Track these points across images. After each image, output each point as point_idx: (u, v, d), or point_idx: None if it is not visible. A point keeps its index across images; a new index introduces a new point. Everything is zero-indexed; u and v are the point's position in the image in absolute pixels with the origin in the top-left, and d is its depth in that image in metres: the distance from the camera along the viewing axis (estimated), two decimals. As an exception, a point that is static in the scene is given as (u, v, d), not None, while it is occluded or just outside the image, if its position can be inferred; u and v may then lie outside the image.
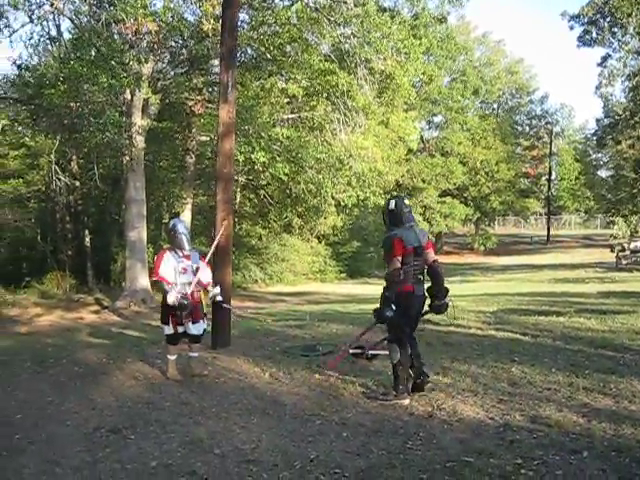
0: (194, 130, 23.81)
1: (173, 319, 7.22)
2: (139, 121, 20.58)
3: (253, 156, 19.90)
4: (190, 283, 7.22)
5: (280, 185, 25.40)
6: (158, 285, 7.24)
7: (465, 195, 48.18)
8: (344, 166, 21.59)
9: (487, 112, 54.80)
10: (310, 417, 5.60)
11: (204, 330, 7.60)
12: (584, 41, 30.59)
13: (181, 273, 7.18)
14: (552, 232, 55.11)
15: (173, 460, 4.66)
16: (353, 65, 21.15)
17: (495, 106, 57.47)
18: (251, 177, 25.22)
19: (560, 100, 67.08)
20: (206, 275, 7.53)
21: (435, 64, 36.30)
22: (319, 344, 8.85)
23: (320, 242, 33.07)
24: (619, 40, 30.36)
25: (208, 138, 22.69)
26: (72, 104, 19.29)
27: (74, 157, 26.75)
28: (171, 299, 6.98)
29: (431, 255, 6.24)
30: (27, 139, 26.47)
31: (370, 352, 7.55)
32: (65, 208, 28.51)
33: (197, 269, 7.32)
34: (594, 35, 30.25)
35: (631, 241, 30.40)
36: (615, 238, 33.32)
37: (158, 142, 24.19)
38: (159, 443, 5.08)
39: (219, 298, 7.98)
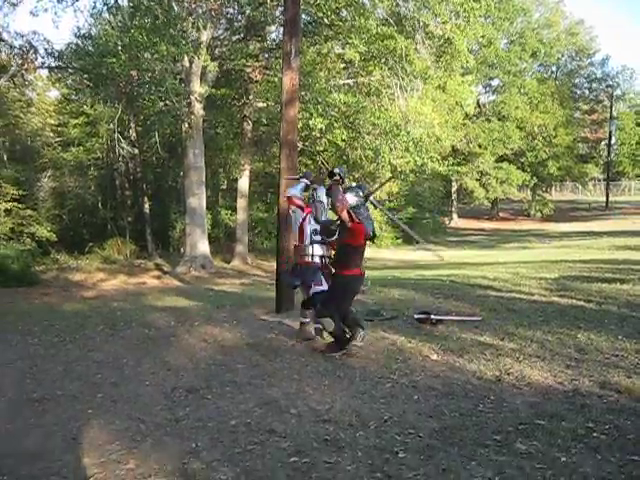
0: (251, 97, 23.89)
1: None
2: (198, 88, 20.78)
3: (311, 122, 19.97)
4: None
5: (337, 151, 25.42)
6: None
7: (522, 160, 47.33)
8: (401, 131, 21.39)
9: (545, 75, 53.26)
10: (380, 380, 5.68)
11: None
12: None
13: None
14: (611, 198, 53.77)
15: (251, 419, 4.78)
16: (411, 29, 20.91)
17: (554, 69, 55.73)
18: (307, 143, 25.23)
19: (621, 62, 65.18)
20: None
21: (493, 26, 35.46)
22: (383, 308, 8.93)
23: (375, 208, 32.99)
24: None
25: (265, 105, 22.78)
26: (133, 72, 19.58)
27: (132, 125, 27.20)
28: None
29: None
30: (86, 107, 26.89)
31: (435, 317, 7.75)
32: (124, 175, 29.09)
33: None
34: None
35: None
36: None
37: (216, 109, 24.39)
38: (236, 403, 5.22)
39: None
